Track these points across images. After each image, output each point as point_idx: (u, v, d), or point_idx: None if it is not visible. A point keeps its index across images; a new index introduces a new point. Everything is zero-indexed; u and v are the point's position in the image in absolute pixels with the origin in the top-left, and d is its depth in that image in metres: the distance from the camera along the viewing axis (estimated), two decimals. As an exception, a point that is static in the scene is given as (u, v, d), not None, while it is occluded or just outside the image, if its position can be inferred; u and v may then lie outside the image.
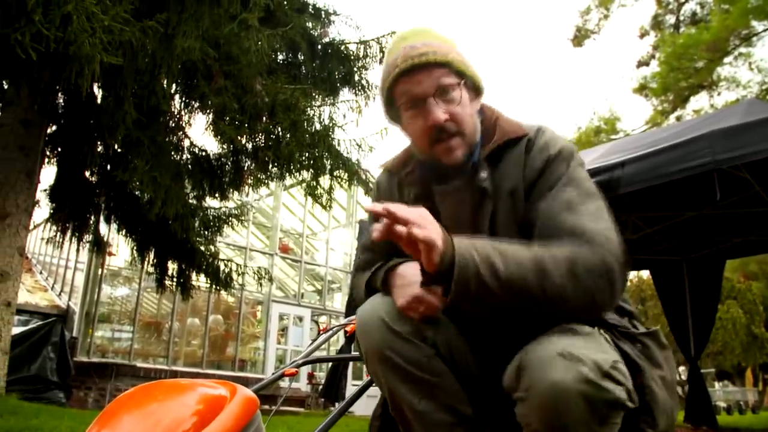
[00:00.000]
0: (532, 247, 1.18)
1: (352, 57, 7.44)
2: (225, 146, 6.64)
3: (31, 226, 6.00)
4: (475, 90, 1.41)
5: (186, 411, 1.10)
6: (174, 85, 6.11)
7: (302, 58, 7.27)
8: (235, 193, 7.19)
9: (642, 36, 17.64)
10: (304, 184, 7.06)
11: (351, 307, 5.14)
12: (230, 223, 7.52)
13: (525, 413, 1.08)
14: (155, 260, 7.19)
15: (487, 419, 1.34)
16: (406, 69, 1.32)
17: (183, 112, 6.58)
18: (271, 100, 5.93)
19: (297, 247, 14.63)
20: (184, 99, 6.46)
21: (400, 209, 1.10)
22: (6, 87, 5.44)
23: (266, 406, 1.60)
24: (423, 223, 1.10)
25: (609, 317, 1.31)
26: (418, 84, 1.33)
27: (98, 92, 5.75)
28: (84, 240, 7.07)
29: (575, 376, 1.01)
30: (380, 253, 1.52)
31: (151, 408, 1.14)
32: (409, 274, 1.30)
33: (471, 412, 1.31)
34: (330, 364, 6.17)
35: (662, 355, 1.30)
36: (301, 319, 13.77)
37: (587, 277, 1.14)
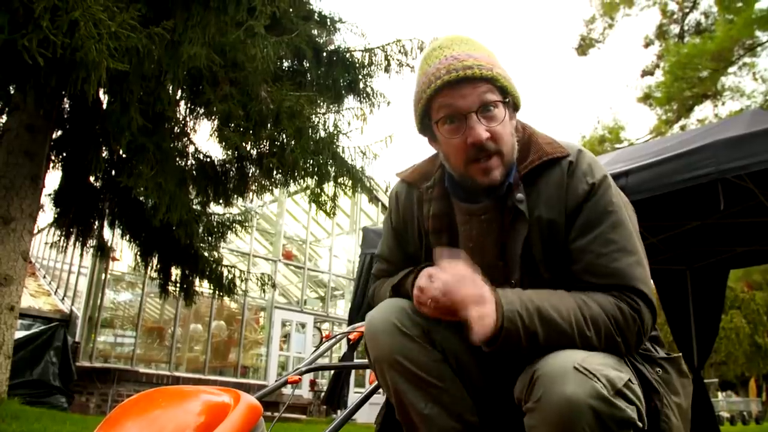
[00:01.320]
0: (576, 301, 1.19)
1: (358, 65, 7.43)
2: (230, 153, 6.64)
3: (36, 231, 6.01)
4: (514, 107, 1.35)
5: (190, 418, 1.10)
6: (179, 92, 6.13)
7: (307, 65, 7.27)
8: (239, 199, 7.18)
9: (646, 45, 17.66)
10: (308, 191, 7.05)
11: (354, 315, 5.13)
12: (234, 230, 7.52)
13: (534, 424, 1.08)
14: (159, 266, 7.19)
15: (491, 429, 1.33)
16: (450, 81, 1.24)
17: (188, 119, 6.59)
18: (276, 107, 5.93)
19: (300, 253, 14.64)
20: (189, 105, 6.47)
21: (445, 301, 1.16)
22: (12, 92, 5.46)
23: (268, 413, 1.61)
24: (477, 305, 1.14)
25: None
26: (462, 98, 1.25)
27: (104, 98, 5.77)
28: (88, 245, 7.07)
29: (588, 391, 1.01)
30: (396, 264, 1.53)
31: (155, 415, 1.15)
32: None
33: (477, 420, 1.31)
34: (332, 370, 6.16)
35: (680, 383, 1.29)
36: (303, 325, 13.76)
37: (622, 339, 1.18)
